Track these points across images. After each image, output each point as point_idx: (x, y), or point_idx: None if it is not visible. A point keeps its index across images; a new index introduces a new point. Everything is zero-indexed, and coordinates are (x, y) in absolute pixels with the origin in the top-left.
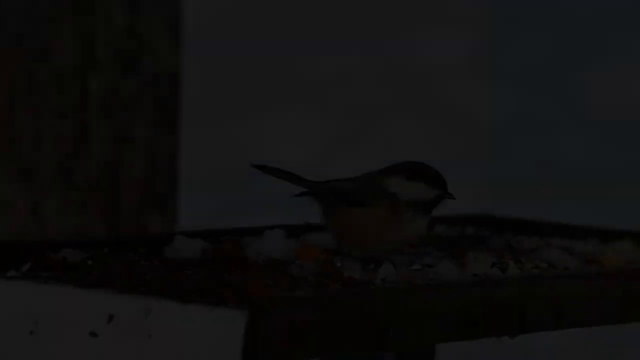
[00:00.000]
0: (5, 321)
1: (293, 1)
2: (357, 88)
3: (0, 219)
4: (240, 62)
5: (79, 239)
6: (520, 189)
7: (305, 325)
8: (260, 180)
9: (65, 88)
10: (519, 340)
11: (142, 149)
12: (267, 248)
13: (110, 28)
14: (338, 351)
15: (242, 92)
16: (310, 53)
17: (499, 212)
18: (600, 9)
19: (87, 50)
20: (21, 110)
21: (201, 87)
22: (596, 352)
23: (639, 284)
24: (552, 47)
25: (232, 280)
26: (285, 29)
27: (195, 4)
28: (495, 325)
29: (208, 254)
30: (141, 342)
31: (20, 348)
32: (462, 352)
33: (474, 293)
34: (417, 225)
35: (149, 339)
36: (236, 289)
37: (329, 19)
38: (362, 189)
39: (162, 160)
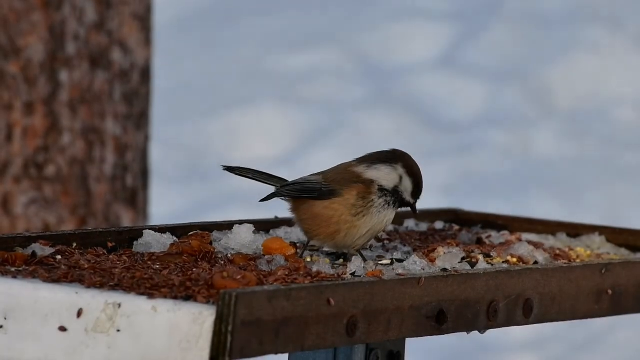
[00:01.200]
0: None
1: None
2: (329, 84)
3: None
4: (211, 57)
5: (48, 234)
6: (490, 184)
7: (273, 320)
8: (229, 175)
9: (35, 82)
10: (489, 334)
11: (113, 143)
12: (236, 243)
13: (80, 23)
14: (307, 345)
15: (214, 87)
16: (282, 49)
17: (468, 206)
18: (564, 4)
19: (57, 44)
20: None
21: (172, 81)
22: (567, 346)
23: (609, 278)
24: (520, 43)
25: (201, 275)
26: (257, 24)
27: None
28: (464, 320)
29: (177, 249)
30: (110, 337)
31: None
32: (432, 346)
33: (443, 287)
34: (387, 214)
35: (118, 333)
36: (205, 284)
37: (301, 15)
38: (329, 181)
39: (133, 154)
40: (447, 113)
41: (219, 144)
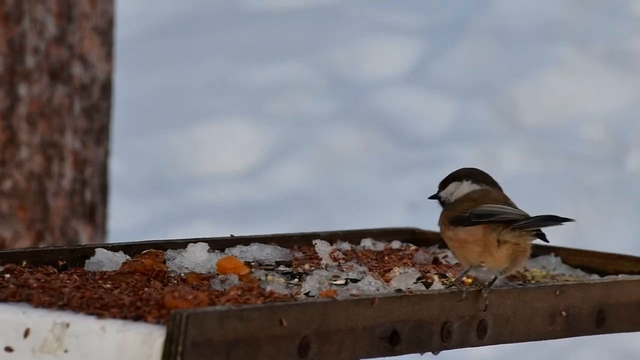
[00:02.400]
0: None
1: (230, 10)
2: (297, 98)
3: None
4: (178, 70)
5: None
6: None
7: (225, 340)
8: (193, 190)
9: None
10: (442, 355)
11: (72, 157)
12: (190, 262)
13: (40, 37)
14: None
15: (180, 100)
16: (249, 62)
17: (436, 222)
18: (532, 22)
19: (16, 58)
20: None
21: (137, 94)
22: None
23: (563, 300)
24: (488, 59)
25: (152, 295)
26: (224, 37)
27: (128, 13)
28: (418, 341)
29: (129, 268)
30: (57, 358)
31: None
32: None
33: (397, 308)
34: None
35: (65, 354)
36: (155, 304)
37: (269, 28)
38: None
39: (92, 169)
40: (414, 128)
41: (185, 158)
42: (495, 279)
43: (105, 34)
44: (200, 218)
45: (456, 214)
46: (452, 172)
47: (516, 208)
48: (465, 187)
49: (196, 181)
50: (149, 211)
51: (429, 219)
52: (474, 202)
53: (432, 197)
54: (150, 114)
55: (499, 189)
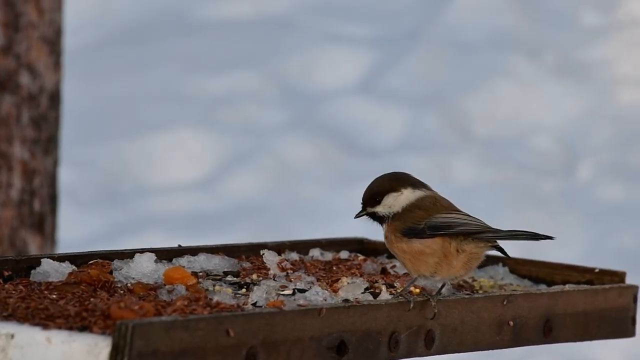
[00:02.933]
0: None
1: (182, 20)
2: (249, 108)
3: None
4: (130, 80)
5: None
6: None
7: (171, 351)
8: (145, 199)
9: None
10: None
11: (20, 167)
12: (137, 272)
13: None
14: None
15: (132, 110)
16: (201, 72)
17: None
18: (483, 32)
19: None
20: None
21: (88, 104)
22: None
23: (510, 310)
24: (440, 70)
25: (98, 305)
26: (176, 48)
27: (79, 22)
28: (365, 351)
29: (75, 278)
30: None
31: None
32: None
33: (344, 318)
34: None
35: None
36: (101, 314)
37: (221, 38)
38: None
39: (41, 179)
40: (366, 138)
41: (136, 168)
42: (442, 286)
43: (53, 43)
44: (153, 227)
45: (408, 225)
46: (375, 183)
47: (469, 215)
48: (409, 196)
49: (148, 191)
50: (101, 220)
51: (381, 229)
52: (424, 211)
53: (362, 215)
54: (102, 123)
55: (433, 190)
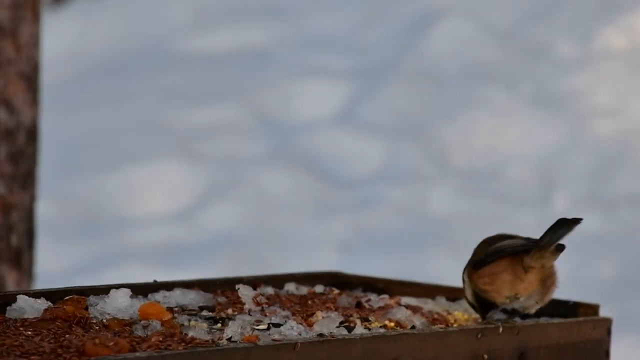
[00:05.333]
0: None
1: (161, 53)
2: (228, 140)
3: None
4: (110, 113)
5: None
6: (387, 241)
7: None
8: (124, 232)
9: None
10: None
11: None
12: (112, 307)
13: None
14: None
15: (111, 142)
16: (180, 105)
17: (365, 263)
18: (460, 64)
19: None
20: None
21: (68, 137)
22: None
23: (484, 343)
24: (418, 101)
25: (73, 342)
26: (153, 80)
27: (58, 56)
28: None
29: (51, 314)
30: None
31: None
32: None
33: (319, 353)
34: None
35: None
36: (76, 351)
37: (199, 71)
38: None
39: (18, 214)
40: (344, 169)
41: (116, 200)
42: (522, 311)
43: (31, 79)
44: (131, 260)
45: (474, 261)
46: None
47: (518, 237)
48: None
49: (127, 223)
50: (80, 253)
51: (360, 260)
52: (486, 245)
53: None
54: (81, 156)
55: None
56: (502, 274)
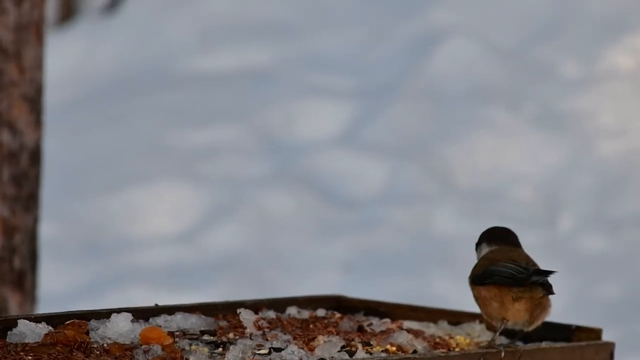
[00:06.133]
0: None
1: (164, 74)
2: (230, 160)
3: None
4: (112, 134)
5: None
6: (390, 262)
7: None
8: (128, 253)
9: None
10: None
11: (0, 224)
12: (113, 332)
13: None
14: None
15: (114, 163)
16: (182, 125)
17: (368, 284)
18: (463, 84)
19: None
20: None
21: (71, 158)
22: None
23: None
24: (421, 121)
25: None
26: (156, 101)
27: (59, 77)
28: None
29: (51, 339)
30: None
31: None
32: None
33: None
34: None
35: None
36: None
37: (202, 91)
38: None
39: (21, 236)
40: (348, 190)
41: (119, 221)
42: (519, 332)
43: (34, 101)
44: (135, 281)
45: (473, 274)
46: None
47: (523, 265)
48: (484, 249)
49: (131, 244)
50: (84, 275)
51: (363, 281)
52: (487, 261)
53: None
54: (85, 177)
55: (514, 244)
56: (491, 301)
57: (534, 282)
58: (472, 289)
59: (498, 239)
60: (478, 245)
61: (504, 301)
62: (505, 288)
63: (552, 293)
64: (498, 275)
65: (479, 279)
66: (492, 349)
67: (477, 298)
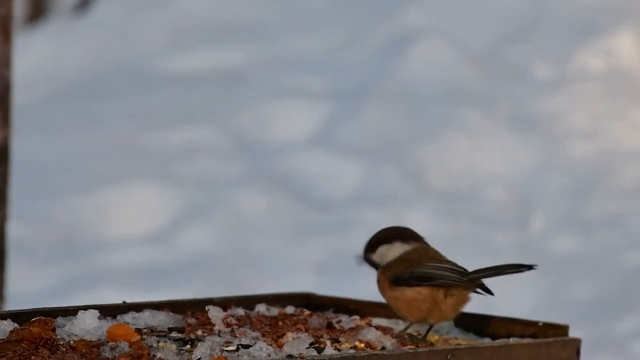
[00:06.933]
0: None
1: (136, 74)
2: (205, 162)
3: None
4: (85, 134)
5: None
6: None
7: None
8: (100, 253)
9: None
10: None
11: None
12: (80, 329)
13: None
14: None
15: (87, 163)
16: (157, 126)
17: (342, 285)
18: (437, 85)
19: None
20: None
21: (44, 158)
22: None
23: None
24: (395, 122)
25: None
26: (128, 102)
27: (30, 77)
28: None
29: (17, 336)
30: None
31: None
32: None
33: None
34: None
35: None
36: None
37: (176, 92)
38: None
39: None
40: (322, 191)
41: (91, 222)
42: (429, 329)
43: (2, 99)
44: (106, 283)
45: (395, 274)
46: (378, 232)
47: (450, 264)
48: (397, 249)
49: (103, 245)
50: (55, 275)
51: (337, 282)
52: (409, 262)
53: (362, 260)
54: (56, 177)
55: (425, 242)
56: (421, 303)
57: (479, 285)
58: (390, 290)
59: (410, 238)
60: (385, 243)
61: (435, 301)
62: (438, 289)
63: (492, 294)
64: (437, 279)
65: (405, 280)
66: (404, 338)
67: (397, 299)
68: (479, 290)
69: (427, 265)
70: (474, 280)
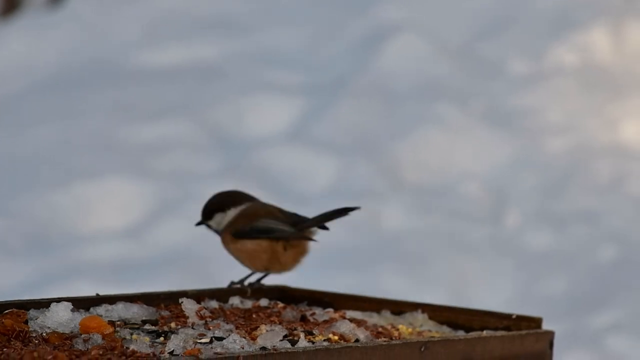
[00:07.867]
0: None
1: (112, 68)
2: (180, 156)
3: None
4: (60, 128)
5: None
6: (340, 258)
7: None
8: (74, 248)
9: None
10: None
11: None
12: (53, 321)
13: None
14: None
15: (62, 157)
16: (132, 121)
17: (318, 280)
18: (413, 80)
19: None
20: None
21: (18, 151)
22: None
23: (428, 356)
24: (370, 117)
25: (11, 355)
26: (104, 95)
27: (8, 70)
28: None
29: None
30: None
31: None
32: None
33: None
34: None
35: None
36: None
37: (151, 86)
38: None
39: None
40: (297, 186)
41: (66, 216)
42: (264, 276)
43: None
44: (81, 277)
45: (237, 229)
46: (212, 200)
47: (285, 216)
48: (233, 212)
49: (77, 239)
50: (28, 269)
51: (312, 276)
52: (247, 217)
53: (200, 224)
54: (31, 172)
55: (259, 201)
56: (262, 254)
57: (315, 223)
58: (233, 242)
59: (244, 199)
60: (219, 211)
61: (275, 253)
62: (277, 242)
63: (327, 229)
64: (274, 232)
65: (247, 233)
66: (238, 286)
67: (239, 251)
68: (314, 238)
69: (264, 220)
70: (303, 230)
